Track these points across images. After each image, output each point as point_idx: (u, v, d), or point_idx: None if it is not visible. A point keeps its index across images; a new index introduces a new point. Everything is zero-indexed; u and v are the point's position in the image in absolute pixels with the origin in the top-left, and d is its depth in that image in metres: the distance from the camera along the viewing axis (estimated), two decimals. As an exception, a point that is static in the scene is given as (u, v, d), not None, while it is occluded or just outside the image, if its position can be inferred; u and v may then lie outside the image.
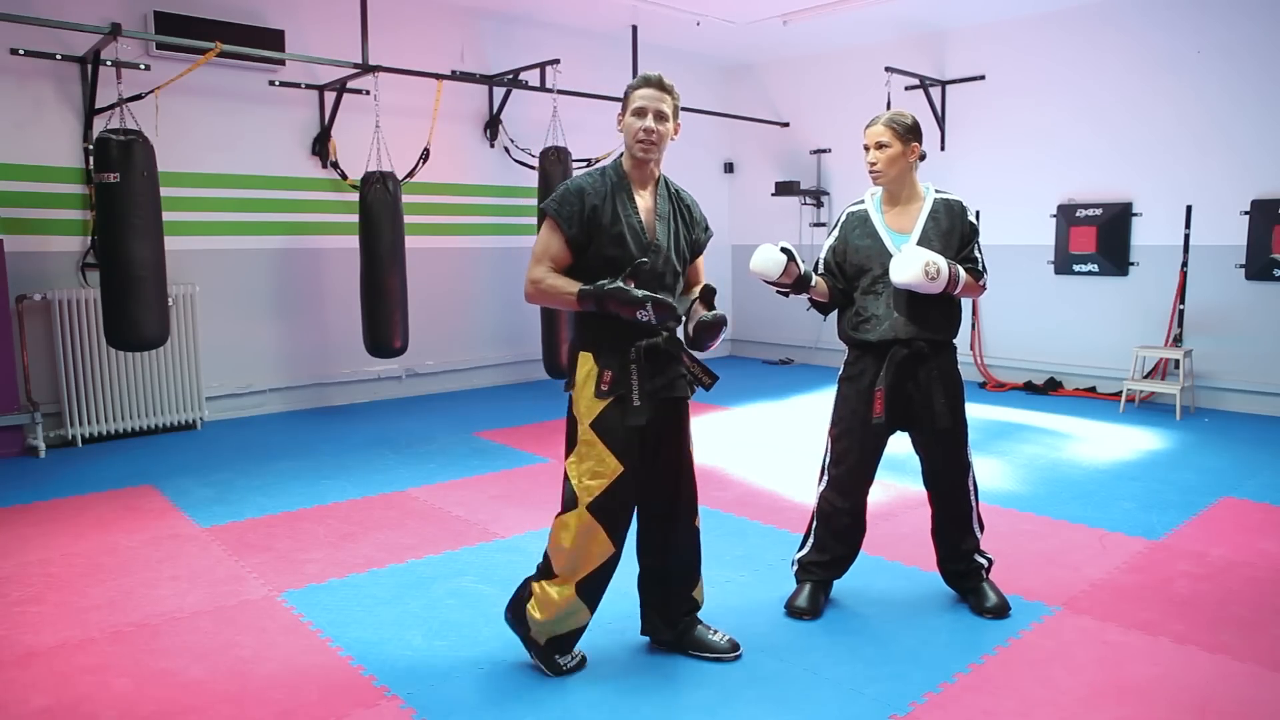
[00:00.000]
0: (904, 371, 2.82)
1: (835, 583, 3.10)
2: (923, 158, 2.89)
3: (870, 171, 2.85)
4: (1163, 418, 6.04)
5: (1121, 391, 6.42)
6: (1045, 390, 6.99)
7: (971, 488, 2.95)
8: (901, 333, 2.80)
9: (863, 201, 2.96)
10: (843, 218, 2.98)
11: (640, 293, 2.35)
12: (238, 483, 4.53)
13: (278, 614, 2.97)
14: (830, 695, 2.44)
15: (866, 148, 2.84)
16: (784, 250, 2.81)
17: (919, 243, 2.81)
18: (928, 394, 2.81)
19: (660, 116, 2.45)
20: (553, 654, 2.55)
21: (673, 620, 2.69)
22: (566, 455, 2.52)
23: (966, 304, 7.54)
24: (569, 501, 2.48)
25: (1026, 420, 6.01)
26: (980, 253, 2.89)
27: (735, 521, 3.92)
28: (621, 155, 2.54)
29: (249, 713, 2.36)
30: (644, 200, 2.52)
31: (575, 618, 2.53)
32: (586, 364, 2.46)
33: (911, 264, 2.66)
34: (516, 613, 2.60)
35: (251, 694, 2.45)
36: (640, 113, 2.44)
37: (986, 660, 2.62)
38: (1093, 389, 6.86)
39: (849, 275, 2.92)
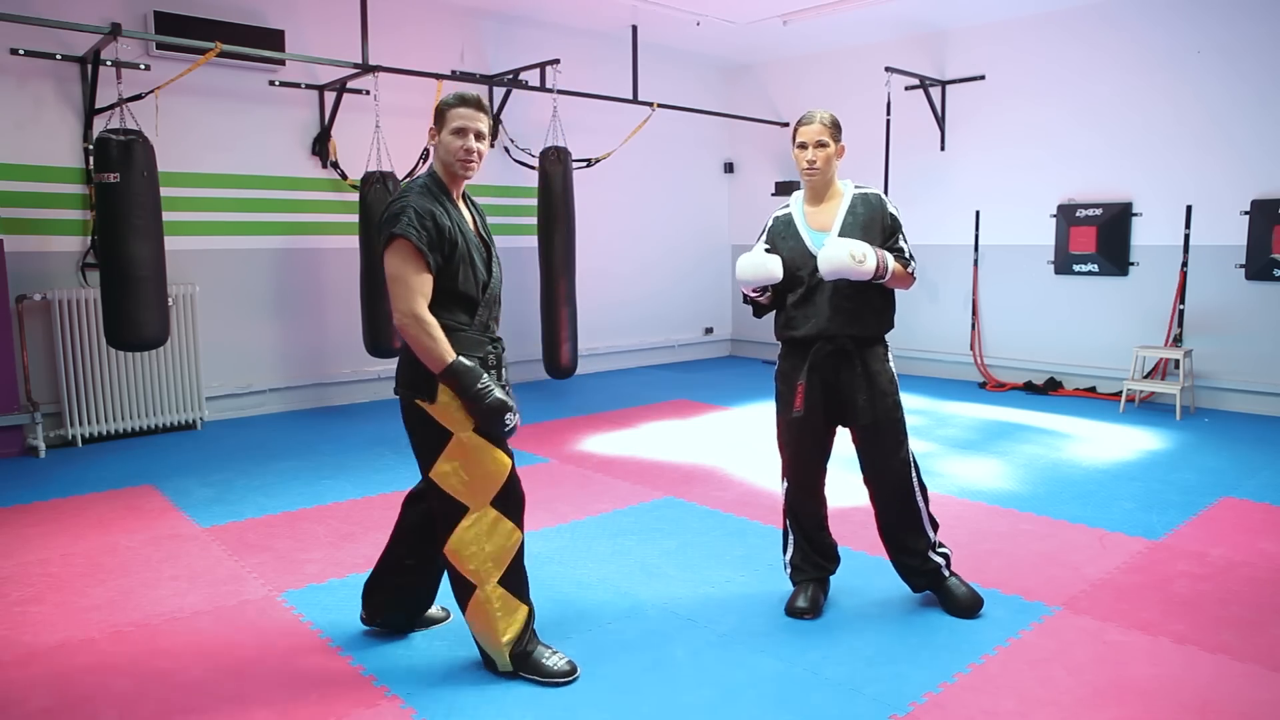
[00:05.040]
0: (829, 368, 2.86)
1: (835, 583, 3.10)
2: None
3: (808, 170, 2.86)
4: (1163, 418, 6.04)
5: (1121, 391, 6.42)
6: (1045, 390, 6.99)
7: (917, 487, 2.93)
8: (826, 329, 2.84)
9: (788, 205, 2.99)
10: (769, 223, 3.01)
11: (509, 403, 2.40)
12: (238, 483, 4.53)
13: (278, 614, 2.98)
14: (830, 695, 2.44)
15: (805, 145, 2.84)
16: (769, 251, 2.84)
17: (839, 236, 2.84)
18: (851, 390, 2.86)
19: (479, 136, 2.47)
20: (528, 664, 2.51)
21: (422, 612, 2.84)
22: (430, 468, 2.46)
23: (961, 304, 7.55)
24: (459, 510, 2.46)
25: (1026, 420, 6.01)
26: (906, 243, 2.90)
27: (735, 521, 3.92)
28: (432, 168, 2.52)
29: (249, 713, 2.36)
30: (465, 212, 2.55)
31: (515, 617, 2.51)
32: None
33: (836, 253, 2.68)
34: (486, 660, 2.57)
35: (251, 694, 2.45)
36: (461, 132, 2.45)
37: (986, 660, 2.62)
38: (1093, 389, 6.86)
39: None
